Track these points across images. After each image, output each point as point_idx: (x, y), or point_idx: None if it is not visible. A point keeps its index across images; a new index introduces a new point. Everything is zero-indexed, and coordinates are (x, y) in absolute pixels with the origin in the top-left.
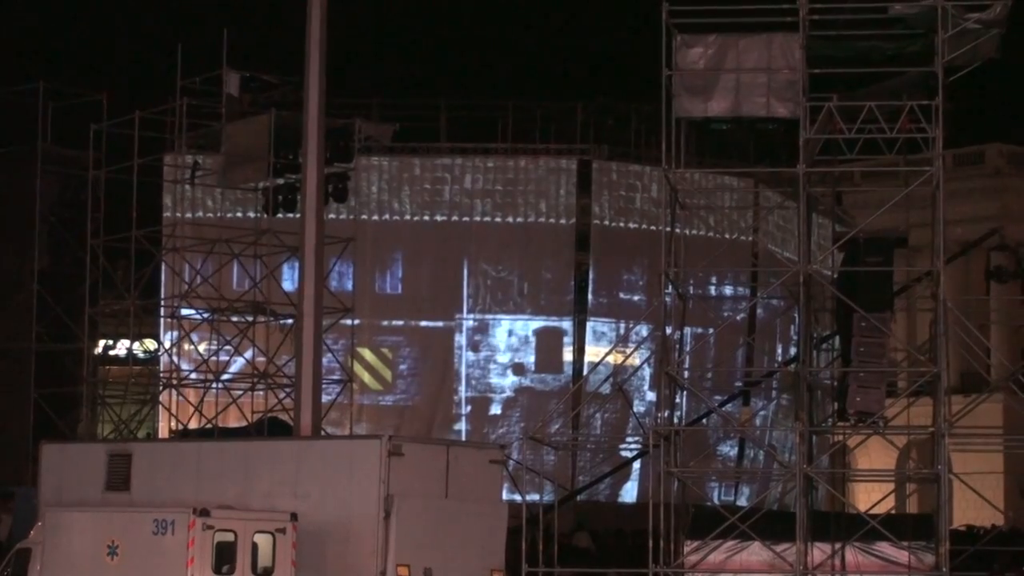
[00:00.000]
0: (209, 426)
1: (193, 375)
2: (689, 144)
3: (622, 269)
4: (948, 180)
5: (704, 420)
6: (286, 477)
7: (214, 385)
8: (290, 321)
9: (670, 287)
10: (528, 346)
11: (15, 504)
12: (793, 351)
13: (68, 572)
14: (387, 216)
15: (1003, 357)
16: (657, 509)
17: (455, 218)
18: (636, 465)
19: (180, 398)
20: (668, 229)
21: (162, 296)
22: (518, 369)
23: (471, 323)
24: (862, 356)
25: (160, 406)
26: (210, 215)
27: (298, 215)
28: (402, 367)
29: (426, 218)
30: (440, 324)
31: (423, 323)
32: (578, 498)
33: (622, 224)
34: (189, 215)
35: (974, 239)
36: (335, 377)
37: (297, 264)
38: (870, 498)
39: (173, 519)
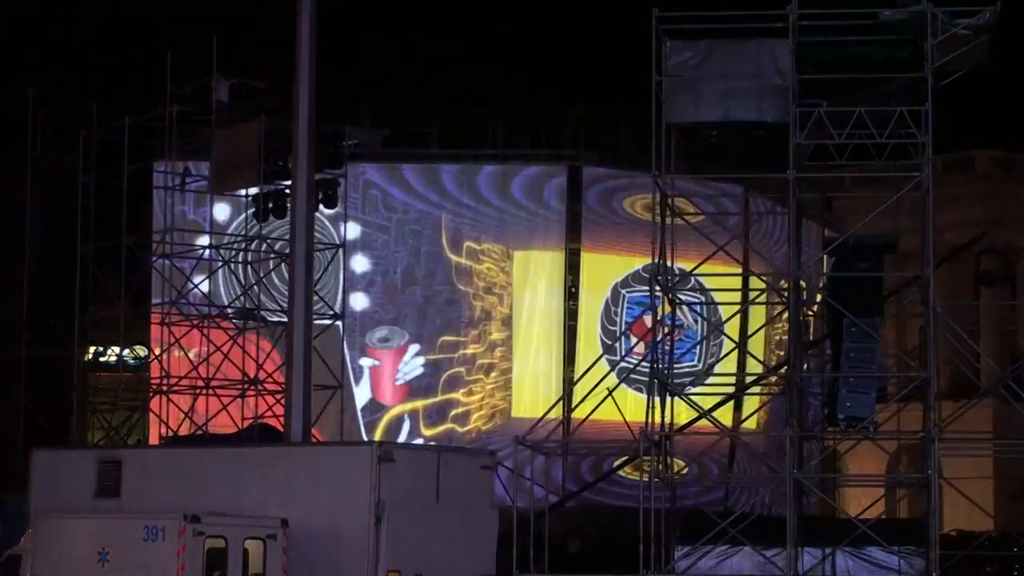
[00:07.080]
0: (199, 432)
1: (183, 381)
2: (680, 150)
3: (612, 274)
4: (938, 185)
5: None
6: (277, 483)
7: (204, 391)
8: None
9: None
10: None
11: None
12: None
13: None
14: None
15: (993, 362)
16: (648, 514)
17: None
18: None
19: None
20: (658, 234)
21: (152, 302)
22: None
23: None
24: (852, 361)
25: (150, 412)
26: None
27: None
28: None
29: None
30: None
31: None
32: (570, 503)
33: (612, 229)
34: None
35: (963, 243)
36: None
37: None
38: (860, 503)
39: (163, 525)
